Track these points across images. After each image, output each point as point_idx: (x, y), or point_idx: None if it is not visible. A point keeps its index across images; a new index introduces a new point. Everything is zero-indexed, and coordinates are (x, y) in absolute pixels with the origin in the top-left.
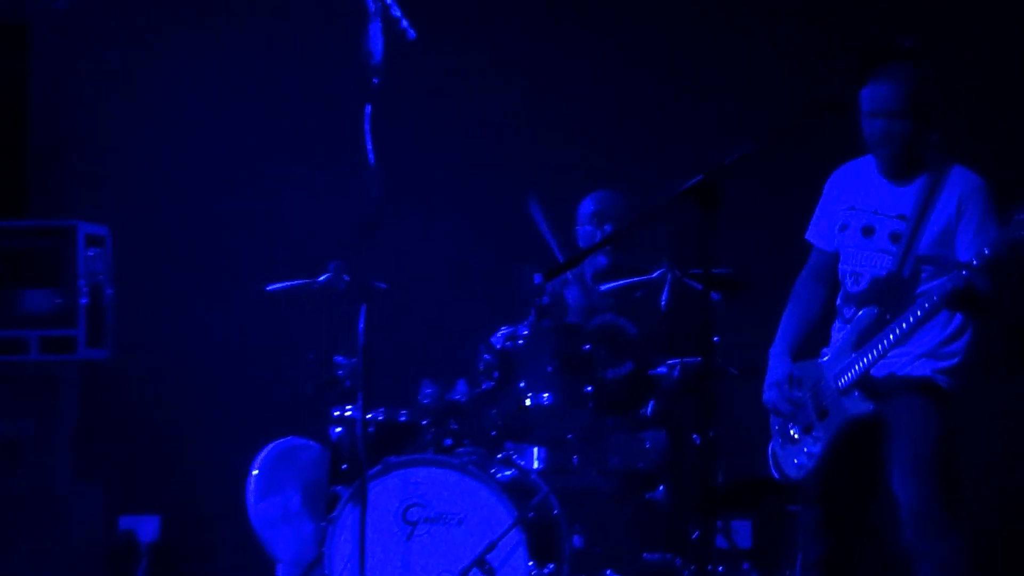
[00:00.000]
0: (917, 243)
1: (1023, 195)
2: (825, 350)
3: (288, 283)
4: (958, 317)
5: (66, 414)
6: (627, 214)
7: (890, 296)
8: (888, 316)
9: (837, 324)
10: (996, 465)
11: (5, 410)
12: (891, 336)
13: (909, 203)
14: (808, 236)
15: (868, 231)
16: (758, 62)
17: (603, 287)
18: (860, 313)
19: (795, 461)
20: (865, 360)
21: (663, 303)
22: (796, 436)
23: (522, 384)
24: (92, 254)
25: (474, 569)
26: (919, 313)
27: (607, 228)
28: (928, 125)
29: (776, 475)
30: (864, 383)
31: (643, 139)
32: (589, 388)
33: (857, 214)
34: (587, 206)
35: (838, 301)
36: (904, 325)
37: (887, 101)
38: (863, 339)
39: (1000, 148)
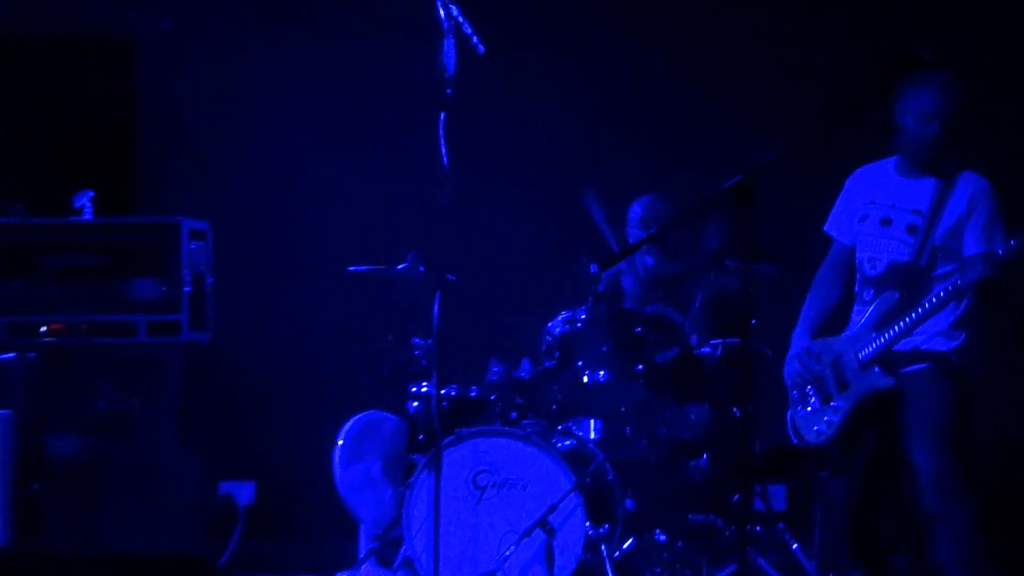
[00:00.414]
0: (933, 235)
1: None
2: (847, 329)
3: (368, 267)
4: (965, 302)
5: (171, 390)
6: (670, 216)
7: (908, 281)
8: (907, 300)
9: (857, 307)
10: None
11: (116, 387)
12: (912, 316)
13: (925, 199)
14: (827, 228)
15: (886, 222)
16: (790, 77)
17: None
18: (882, 296)
19: (815, 428)
20: (885, 338)
21: (708, 292)
22: (816, 405)
23: (580, 363)
24: (194, 247)
25: (537, 529)
26: (942, 295)
27: (652, 230)
28: (955, 130)
29: (795, 440)
30: (884, 359)
31: (687, 143)
32: (640, 367)
33: (876, 207)
34: (635, 211)
35: (856, 287)
36: (927, 306)
37: (932, 103)
38: (885, 320)
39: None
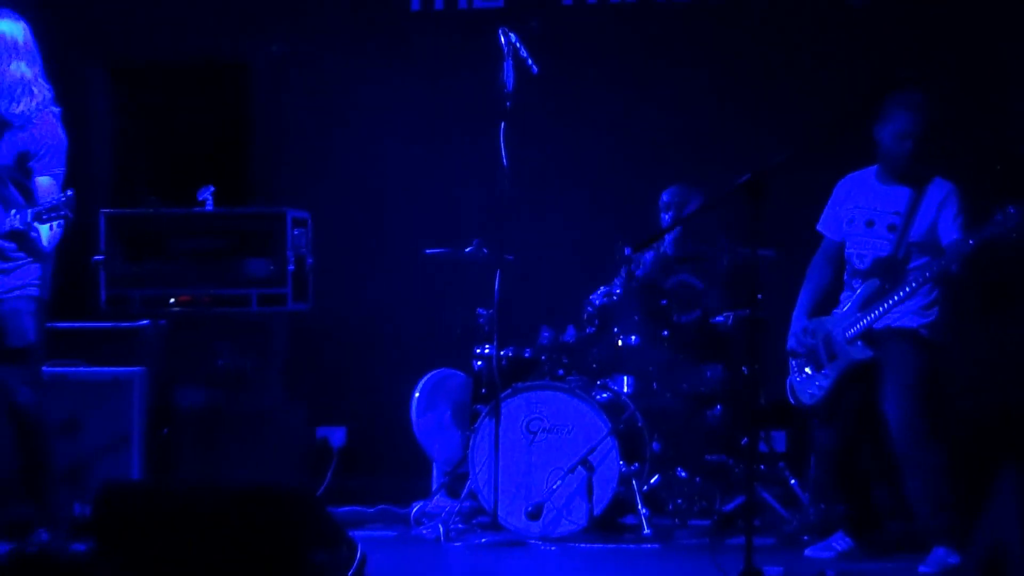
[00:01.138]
0: (909, 232)
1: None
2: (836, 311)
3: (441, 249)
4: (935, 287)
5: (277, 351)
6: (693, 203)
7: (888, 272)
8: (887, 287)
9: (845, 293)
10: (970, 389)
11: (233, 348)
12: (890, 301)
13: (902, 203)
14: (819, 227)
15: (870, 224)
16: (794, 97)
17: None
18: (866, 283)
19: (808, 392)
20: (868, 318)
21: (722, 270)
22: (810, 373)
23: (615, 329)
24: (297, 233)
25: (579, 467)
26: (914, 285)
27: (673, 214)
28: (927, 144)
29: (792, 401)
30: (866, 335)
31: (710, 145)
32: (666, 332)
33: (861, 211)
34: (664, 197)
35: (846, 276)
36: (901, 294)
37: (906, 124)
38: (867, 303)
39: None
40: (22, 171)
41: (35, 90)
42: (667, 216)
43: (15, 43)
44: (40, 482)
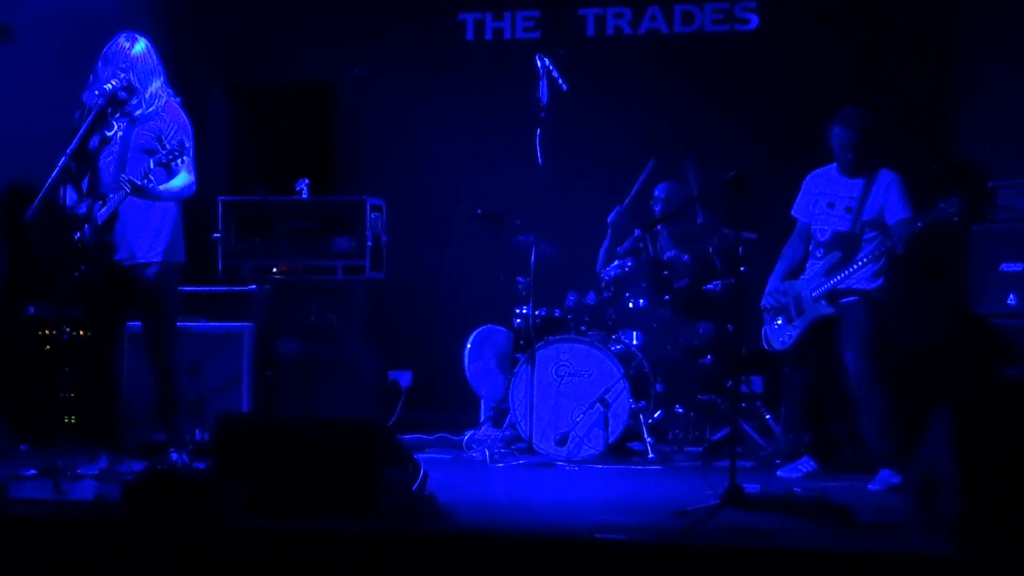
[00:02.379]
0: (862, 212)
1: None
2: (803, 276)
3: (491, 211)
4: (883, 259)
5: (358, 311)
6: (678, 196)
7: (845, 243)
8: (846, 258)
9: (810, 262)
10: (908, 342)
11: (322, 307)
12: (850, 269)
13: (857, 190)
14: (793, 213)
15: (831, 205)
16: (776, 107)
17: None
18: (829, 255)
19: (780, 339)
20: (832, 282)
21: (712, 248)
22: (780, 324)
23: (627, 295)
24: (374, 217)
25: (597, 404)
26: (868, 258)
27: (665, 207)
28: (870, 145)
29: (767, 347)
30: (829, 295)
31: (705, 148)
32: (667, 297)
33: (825, 196)
34: (656, 192)
35: (811, 248)
36: (858, 264)
37: (845, 139)
38: (831, 271)
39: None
40: (161, 149)
41: (161, 92)
42: (657, 208)
43: (142, 56)
44: (170, 413)
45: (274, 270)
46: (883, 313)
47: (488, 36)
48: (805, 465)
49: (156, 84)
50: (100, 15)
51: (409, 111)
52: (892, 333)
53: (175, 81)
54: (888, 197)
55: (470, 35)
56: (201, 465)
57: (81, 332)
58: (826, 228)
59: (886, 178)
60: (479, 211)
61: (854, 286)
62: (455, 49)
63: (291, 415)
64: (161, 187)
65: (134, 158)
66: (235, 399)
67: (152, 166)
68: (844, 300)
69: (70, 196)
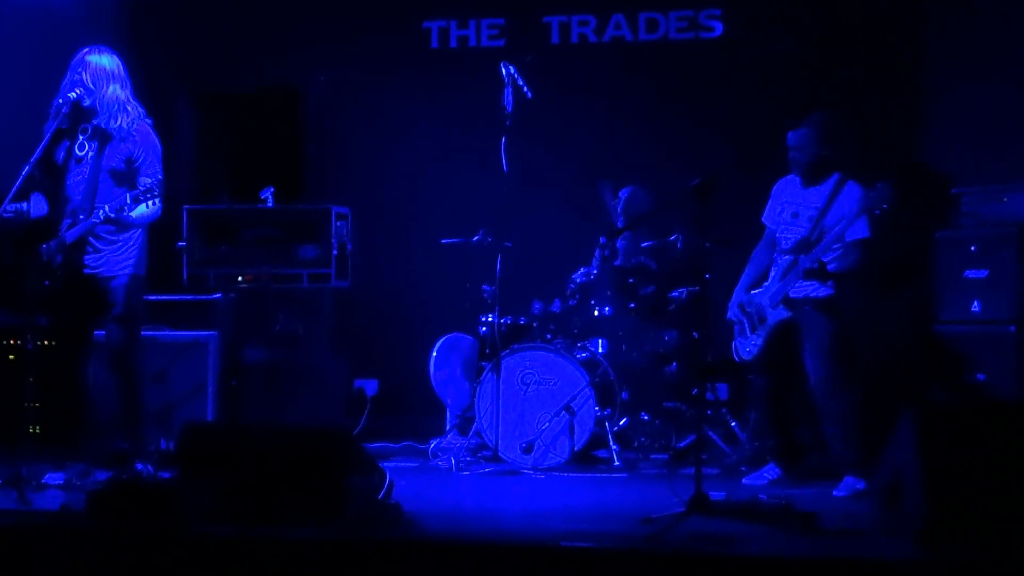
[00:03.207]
0: (823, 221)
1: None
2: (765, 284)
3: (454, 239)
4: (846, 264)
5: (324, 319)
6: (645, 202)
7: (804, 249)
8: (798, 261)
9: (773, 268)
10: (875, 350)
11: (287, 316)
12: (799, 272)
13: (821, 200)
14: (762, 219)
15: (795, 215)
16: (742, 115)
17: (643, 244)
18: (783, 259)
19: (746, 349)
20: (784, 285)
21: (677, 256)
22: (747, 334)
23: (592, 302)
24: (340, 224)
25: (563, 412)
26: (816, 265)
27: (629, 212)
28: (829, 151)
29: (736, 358)
30: (785, 301)
31: (670, 154)
32: (632, 304)
33: (789, 205)
34: (620, 196)
35: (775, 255)
36: (806, 265)
37: (801, 150)
38: (784, 274)
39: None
40: (130, 174)
41: (129, 108)
42: (619, 208)
43: (110, 71)
44: (135, 422)
45: (239, 278)
46: (843, 318)
47: (453, 44)
48: (770, 472)
49: (113, 88)
50: (65, 25)
51: (374, 119)
52: (857, 339)
53: (139, 89)
54: (851, 212)
55: (435, 43)
56: (166, 474)
57: (46, 342)
58: (789, 237)
59: (850, 191)
60: (442, 241)
61: (810, 294)
62: (420, 57)
63: (256, 423)
64: (133, 214)
65: (104, 179)
66: (200, 407)
67: (129, 201)
68: (804, 308)
69: (37, 206)
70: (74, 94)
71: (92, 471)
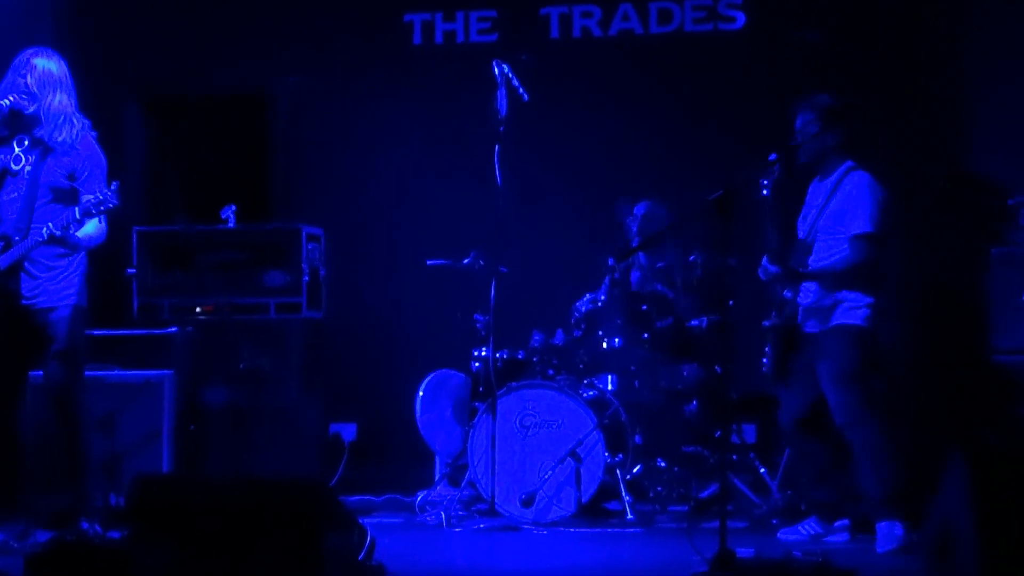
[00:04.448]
0: (820, 218)
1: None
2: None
3: (442, 262)
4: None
5: (294, 354)
6: (661, 216)
7: (801, 250)
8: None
9: None
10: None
11: (253, 352)
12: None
13: (825, 194)
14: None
15: (805, 217)
16: (761, 117)
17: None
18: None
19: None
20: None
21: (696, 280)
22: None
23: (600, 333)
24: (311, 247)
25: (568, 458)
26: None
27: (645, 228)
28: (832, 137)
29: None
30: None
31: (685, 163)
32: (646, 335)
33: (806, 207)
34: (635, 210)
35: None
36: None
37: (802, 125)
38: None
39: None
40: (71, 191)
41: (75, 120)
42: (634, 226)
43: (57, 78)
44: (78, 473)
45: (198, 309)
46: (861, 337)
47: (438, 39)
48: (811, 527)
49: (58, 98)
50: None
51: (350, 127)
52: (896, 369)
53: (82, 91)
54: (853, 204)
55: (418, 39)
56: (116, 534)
57: None
58: (801, 236)
59: (855, 182)
60: (428, 262)
61: (831, 324)
62: (401, 55)
63: (219, 475)
64: (80, 234)
65: (42, 196)
66: (155, 457)
67: (78, 216)
68: (819, 329)
69: None
70: (10, 99)
71: (31, 531)
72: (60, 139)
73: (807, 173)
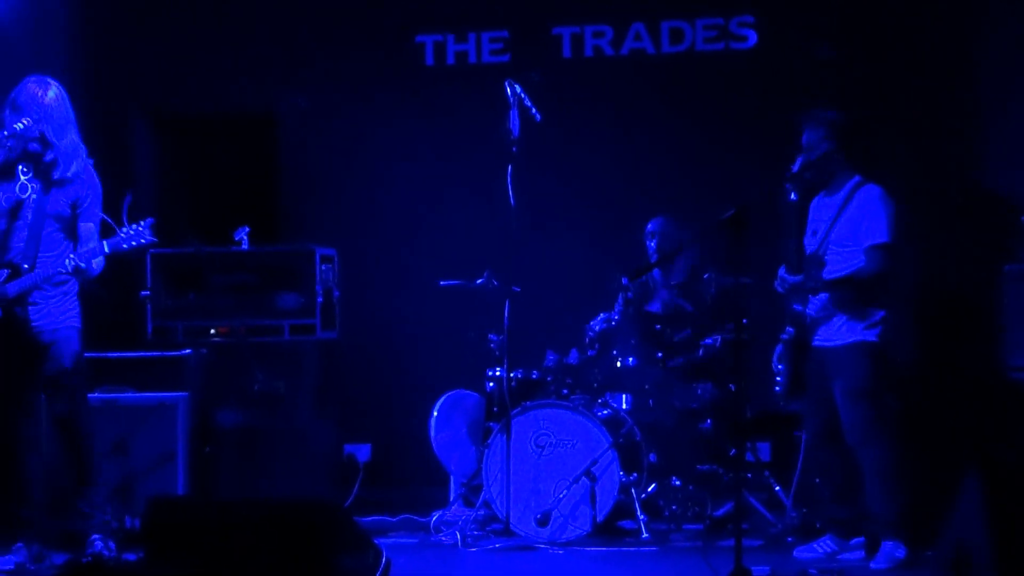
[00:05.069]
0: (831, 234)
1: None
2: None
3: (455, 281)
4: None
5: (308, 376)
6: (674, 233)
7: (812, 264)
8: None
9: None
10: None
11: (267, 374)
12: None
13: (834, 209)
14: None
15: (814, 232)
16: (773, 135)
17: (673, 279)
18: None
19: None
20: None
21: (709, 298)
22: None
23: (614, 352)
24: (324, 268)
25: (583, 477)
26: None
27: (658, 243)
28: (840, 153)
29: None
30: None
31: (697, 182)
32: (660, 354)
33: (812, 223)
34: (649, 226)
35: None
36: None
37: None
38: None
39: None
40: (72, 219)
41: (81, 153)
42: (651, 244)
43: (69, 115)
44: (88, 493)
45: (211, 331)
46: (876, 353)
47: (450, 60)
48: (826, 544)
49: (71, 137)
50: (11, 34)
51: (362, 147)
52: (910, 386)
53: (91, 111)
54: (867, 217)
55: (430, 59)
56: (131, 556)
57: None
58: (806, 252)
59: (867, 195)
60: (441, 283)
61: (844, 340)
62: (413, 75)
63: (233, 497)
64: (94, 263)
65: (48, 225)
66: (169, 479)
67: (108, 249)
68: (830, 344)
69: None
70: (23, 128)
71: (46, 554)
72: (70, 174)
73: (809, 190)
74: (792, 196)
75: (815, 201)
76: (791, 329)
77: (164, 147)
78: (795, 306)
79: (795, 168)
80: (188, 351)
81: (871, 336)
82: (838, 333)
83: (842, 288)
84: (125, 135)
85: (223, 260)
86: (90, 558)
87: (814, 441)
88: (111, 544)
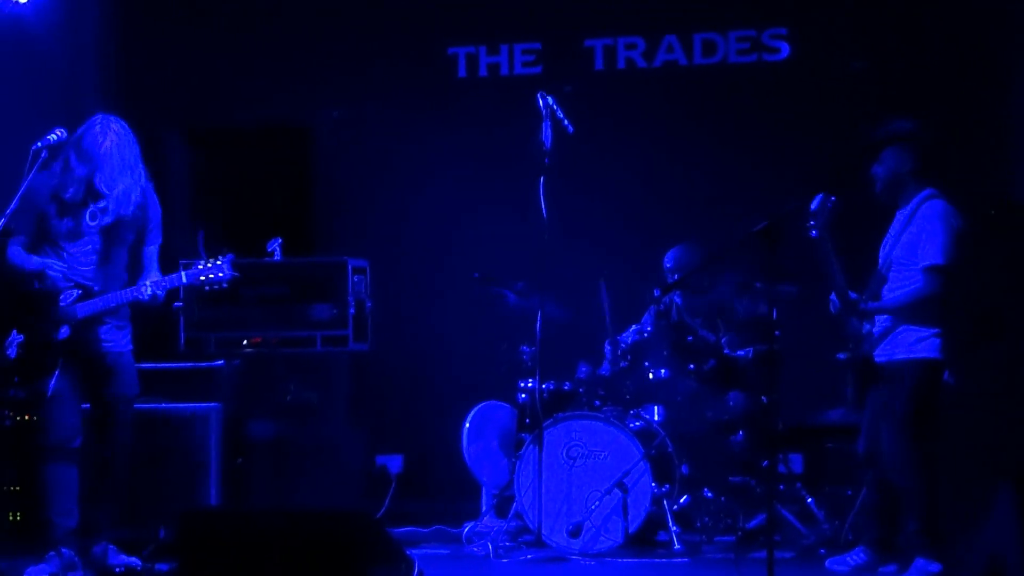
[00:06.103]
0: (893, 250)
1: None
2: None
3: (495, 288)
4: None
5: (340, 387)
6: (693, 261)
7: (876, 281)
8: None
9: None
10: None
11: (300, 385)
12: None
13: (901, 224)
14: None
15: (884, 246)
16: (806, 147)
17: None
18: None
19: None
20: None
21: (741, 312)
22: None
23: (646, 364)
24: (357, 280)
25: (615, 489)
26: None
27: (679, 274)
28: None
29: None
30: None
31: (730, 193)
32: (692, 366)
33: (887, 237)
34: (666, 263)
35: None
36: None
37: (879, 174)
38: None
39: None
40: (137, 242)
41: (139, 182)
42: (672, 279)
43: (128, 151)
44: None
45: (244, 343)
46: (930, 382)
47: (483, 72)
48: (857, 556)
49: (127, 180)
50: (48, 48)
51: (394, 159)
52: (943, 400)
53: (128, 123)
54: (924, 233)
55: (462, 71)
56: (164, 566)
57: (27, 417)
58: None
59: (929, 212)
60: (475, 275)
61: (901, 356)
62: (445, 88)
63: (266, 507)
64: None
65: (115, 250)
66: (202, 490)
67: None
68: (890, 359)
69: (44, 267)
70: (85, 171)
71: (82, 563)
72: (131, 209)
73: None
74: (813, 233)
75: (897, 213)
76: (852, 347)
77: (198, 159)
78: (864, 326)
79: (814, 206)
80: (221, 362)
81: (931, 352)
82: (899, 348)
83: (889, 312)
84: (159, 148)
85: (255, 271)
86: (122, 569)
87: (865, 456)
88: (109, 545)
